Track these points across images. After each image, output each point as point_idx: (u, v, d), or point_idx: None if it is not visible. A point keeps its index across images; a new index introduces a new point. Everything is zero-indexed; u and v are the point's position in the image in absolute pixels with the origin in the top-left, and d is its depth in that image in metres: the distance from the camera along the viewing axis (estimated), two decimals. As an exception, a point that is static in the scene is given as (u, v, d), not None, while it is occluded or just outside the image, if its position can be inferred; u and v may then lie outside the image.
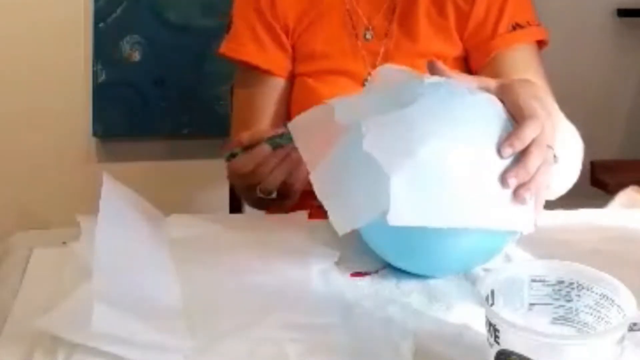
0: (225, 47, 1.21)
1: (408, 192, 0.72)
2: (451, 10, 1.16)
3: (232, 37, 1.21)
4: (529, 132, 0.75)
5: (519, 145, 0.75)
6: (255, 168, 0.94)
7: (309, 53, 1.19)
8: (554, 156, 0.79)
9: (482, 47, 1.15)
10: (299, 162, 0.90)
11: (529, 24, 1.15)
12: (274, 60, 1.19)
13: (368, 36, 1.18)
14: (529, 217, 0.76)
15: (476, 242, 0.79)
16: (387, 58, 1.17)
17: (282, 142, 0.93)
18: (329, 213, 0.77)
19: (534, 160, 0.75)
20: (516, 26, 1.14)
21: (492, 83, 0.83)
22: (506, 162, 0.75)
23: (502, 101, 0.80)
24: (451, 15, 1.16)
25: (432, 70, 0.84)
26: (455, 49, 1.17)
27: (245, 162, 0.95)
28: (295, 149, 0.89)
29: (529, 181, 0.75)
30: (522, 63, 1.13)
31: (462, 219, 0.74)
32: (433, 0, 1.16)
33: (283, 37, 1.18)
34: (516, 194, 0.75)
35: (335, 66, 1.18)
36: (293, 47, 1.20)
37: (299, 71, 1.20)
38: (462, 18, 1.15)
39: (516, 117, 0.78)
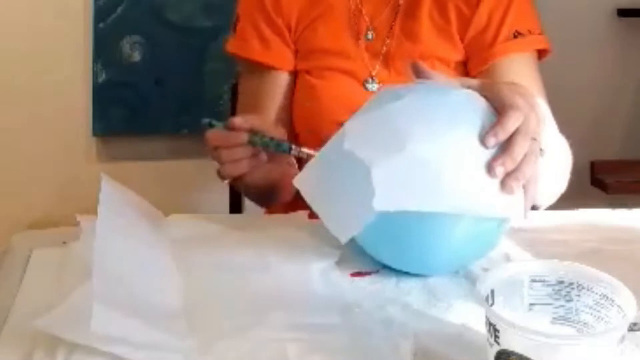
0: (231, 45, 1.22)
1: (391, 179, 0.74)
2: (453, 14, 1.15)
3: (238, 35, 1.22)
4: (511, 122, 0.76)
5: (503, 135, 0.75)
6: (220, 148, 0.96)
7: (310, 50, 1.19)
8: (540, 149, 0.79)
9: (481, 53, 1.14)
10: (265, 162, 0.97)
11: (530, 32, 1.14)
12: (277, 56, 1.19)
13: (369, 36, 1.18)
14: (519, 205, 0.77)
15: (468, 235, 0.79)
16: (388, 59, 1.17)
17: (258, 143, 0.95)
18: (324, 221, 0.78)
19: (519, 148, 0.75)
20: (517, 34, 1.13)
21: (474, 82, 0.84)
22: (491, 152, 0.75)
23: (485, 97, 0.80)
24: (453, 19, 1.15)
25: (415, 71, 0.84)
26: (457, 53, 1.16)
27: (215, 137, 0.96)
28: (263, 152, 0.95)
29: (516, 170, 0.75)
30: (519, 72, 1.12)
31: (448, 204, 0.74)
32: (436, 3, 1.15)
33: (286, 33, 1.19)
34: (504, 184, 0.75)
35: (336, 64, 1.18)
36: (295, 44, 1.20)
37: (301, 68, 1.20)
38: (464, 22, 1.15)
39: (498, 109, 0.78)
